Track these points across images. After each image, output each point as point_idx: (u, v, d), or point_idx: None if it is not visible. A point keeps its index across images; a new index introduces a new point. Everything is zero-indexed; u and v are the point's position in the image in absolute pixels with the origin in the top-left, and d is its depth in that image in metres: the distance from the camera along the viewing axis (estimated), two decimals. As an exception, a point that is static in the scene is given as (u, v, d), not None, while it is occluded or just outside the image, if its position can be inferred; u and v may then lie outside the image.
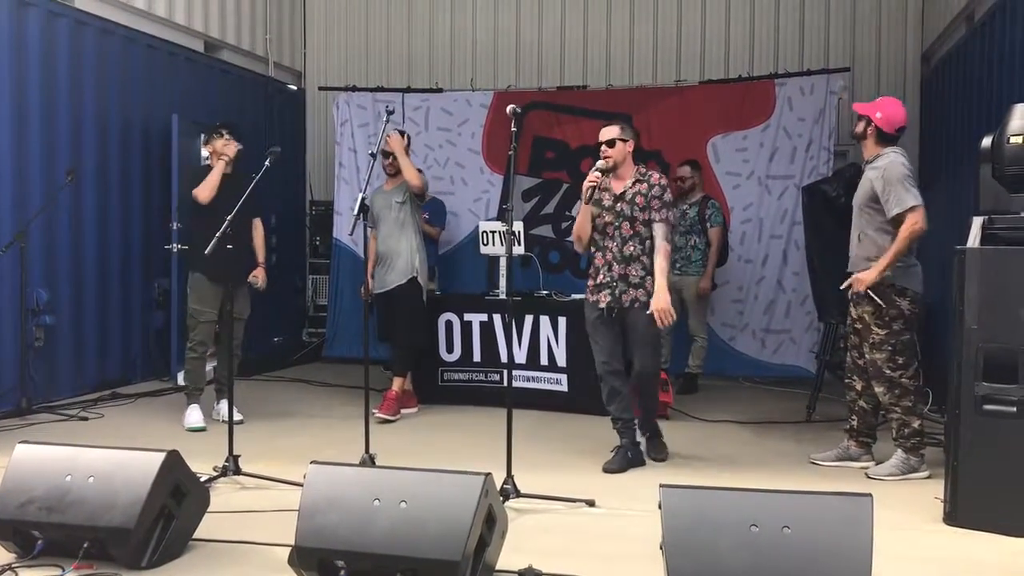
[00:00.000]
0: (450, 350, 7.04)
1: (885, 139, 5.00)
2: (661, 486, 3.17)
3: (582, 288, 5.51)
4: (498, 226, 7.01)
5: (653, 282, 5.05)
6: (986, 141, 4.33)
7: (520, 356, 6.74)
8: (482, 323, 6.93)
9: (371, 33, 10.24)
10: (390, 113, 5.17)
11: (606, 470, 5.12)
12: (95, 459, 3.60)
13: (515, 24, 9.85)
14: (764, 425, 6.40)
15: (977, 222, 4.27)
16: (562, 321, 6.69)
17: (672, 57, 9.45)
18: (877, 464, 5.10)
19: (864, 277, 4.88)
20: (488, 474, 3.31)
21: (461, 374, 7.03)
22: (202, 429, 6.02)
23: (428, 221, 7.49)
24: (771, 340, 8.20)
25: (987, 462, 4.04)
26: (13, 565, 3.49)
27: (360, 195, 4.88)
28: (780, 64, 8.87)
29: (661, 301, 4.96)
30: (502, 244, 6.90)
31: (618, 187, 5.18)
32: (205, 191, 5.99)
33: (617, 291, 5.11)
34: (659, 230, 5.07)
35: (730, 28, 9.33)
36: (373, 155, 5.13)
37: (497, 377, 6.81)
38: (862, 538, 2.95)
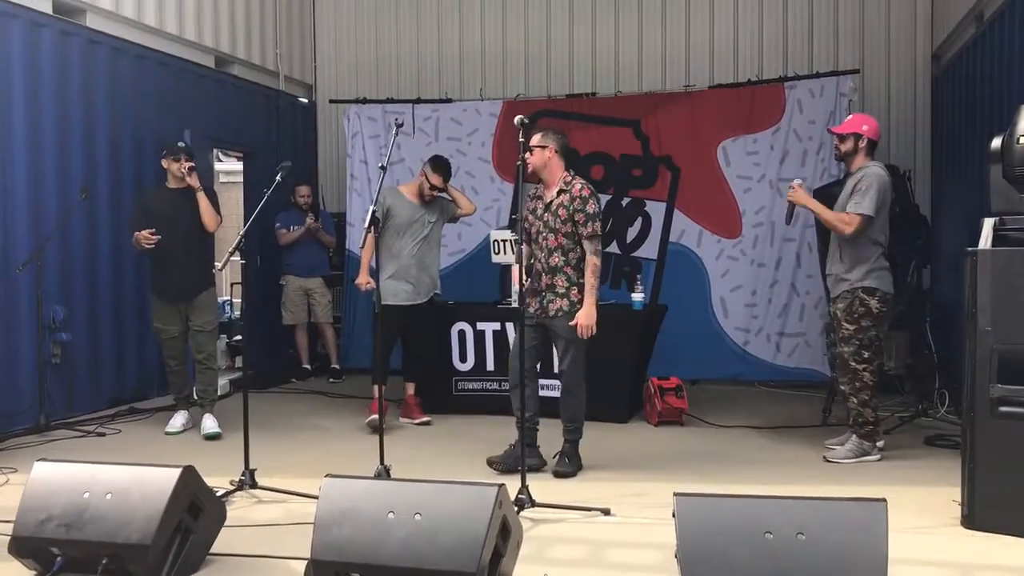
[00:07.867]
0: (463, 359, 7.06)
1: (872, 149, 5.47)
2: (675, 494, 3.17)
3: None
4: (510, 235, 7.00)
5: (577, 292, 5.11)
6: (996, 142, 4.31)
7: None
8: (495, 332, 6.94)
9: (380, 45, 10.27)
10: (399, 126, 5.21)
11: (488, 461, 5.21)
12: (112, 476, 3.62)
13: (523, 33, 9.85)
14: (780, 430, 6.38)
15: (988, 223, 4.25)
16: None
17: (681, 62, 9.44)
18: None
19: (800, 197, 5.61)
20: (502, 485, 3.32)
21: (475, 383, 7.04)
22: (177, 433, 6.40)
23: (321, 231, 8.74)
24: (786, 344, 8.16)
25: (1004, 464, 4.02)
26: (33, 582, 3.53)
27: (371, 207, 4.91)
28: (789, 67, 8.84)
29: (584, 316, 5.04)
30: (513, 253, 6.90)
31: (547, 196, 5.20)
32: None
33: (545, 300, 5.19)
34: (586, 245, 5.12)
35: (738, 32, 9.31)
36: (383, 167, 5.15)
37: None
38: (877, 544, 2.95)
